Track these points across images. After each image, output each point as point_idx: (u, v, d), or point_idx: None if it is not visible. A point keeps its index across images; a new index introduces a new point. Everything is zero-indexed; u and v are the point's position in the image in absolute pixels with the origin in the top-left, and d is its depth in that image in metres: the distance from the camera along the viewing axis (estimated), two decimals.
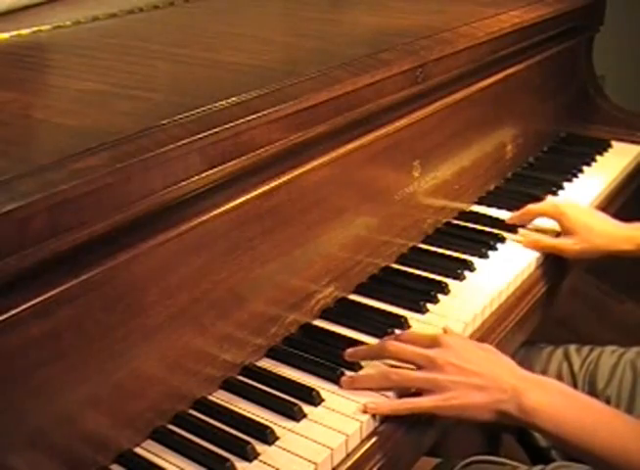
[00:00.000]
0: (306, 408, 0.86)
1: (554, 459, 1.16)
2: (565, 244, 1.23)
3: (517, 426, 1.24)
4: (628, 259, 1.28)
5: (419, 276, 1.15)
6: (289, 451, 0.81)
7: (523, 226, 1.30)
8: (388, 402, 0.88)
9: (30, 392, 0.69)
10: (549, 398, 0.86)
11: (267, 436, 0.82)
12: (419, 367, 0.89)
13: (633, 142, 1.70)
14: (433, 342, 0.91)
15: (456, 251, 1.22)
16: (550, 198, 1.34)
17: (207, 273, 0.86)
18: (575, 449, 0.86)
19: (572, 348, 1.30)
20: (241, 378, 0.92)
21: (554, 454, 1.20)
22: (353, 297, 1.09)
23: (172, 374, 0.84)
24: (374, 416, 0.86)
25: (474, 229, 1.30)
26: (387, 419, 0.88)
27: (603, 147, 1.67)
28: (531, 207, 1.30)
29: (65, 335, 0.71)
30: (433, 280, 1.13)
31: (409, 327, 1.02)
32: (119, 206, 0.74)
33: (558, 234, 1.27)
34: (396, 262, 1.18)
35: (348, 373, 0.92)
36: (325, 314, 1.04)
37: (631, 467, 0.82)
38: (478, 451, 1.11)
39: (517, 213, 1.31)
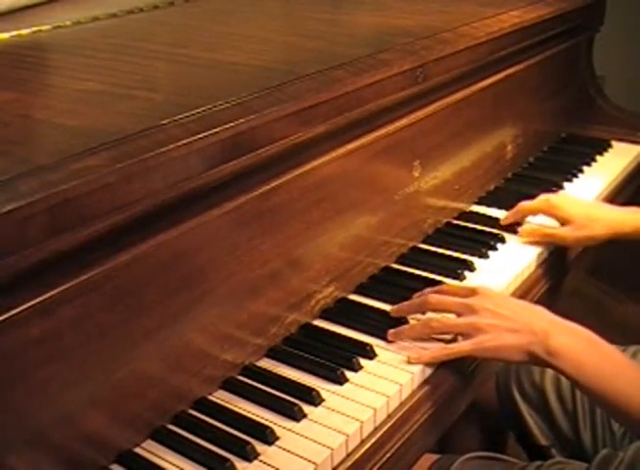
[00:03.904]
0: (306, 408, 0.86)
1: (554, 457, 1.16)
2: (564, 232, 1.24)
3: (517, 425, 1.25)
4: (627, 259, 1.28)
5: (419, 276, 1.15)
6: (289, 451, 0.81)
7: (521, 225, 1.30)
8: (429, 351, 0.95)
9: (30, 392, 0.69)
10: (574, 342, 0.90)
11: (267, 436, 0.82)
12: (458, 315, 0.96)
13: (633, 142, 1.70)
14: (470, 292, 0.98)
15: (456, 251, 1.22)
16: (542, 195, 1.32)
17: (207, 273, 0.86)
18: (592, 395, 0.90)
19: None
20: (241, 378, 0.92)
21: (554, 452, 1.20)
22: (353, 297, 1.09)
23: (172, 374, 0.84)
24: (374, 416, 0.86)
25: (474, 229, 1.30)
26: (388, 419, 0.88)
27: (603, 147, 1.67)
28: (523, 205, 1.29)
29: (65, 335, 0.71)
30: (433, 280, 1.13)
31: None
32: (119, 206, 0.74)
33: None
34: (396, 262, 1.18)
35: (349, 373, 0.92)
36: (325, 314, 1.04)
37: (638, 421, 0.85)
38: (477, 448, 1.12)
39: (510, 213, 1.30)
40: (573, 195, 1.38)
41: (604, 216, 1.24)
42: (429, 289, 1.04)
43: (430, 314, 1.01)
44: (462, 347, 0.94)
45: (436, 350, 0.95)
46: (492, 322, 0.93)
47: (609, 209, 1.28)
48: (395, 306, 1.03)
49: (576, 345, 0.90)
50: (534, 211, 1.29)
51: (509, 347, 0.92)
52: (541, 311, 0.97)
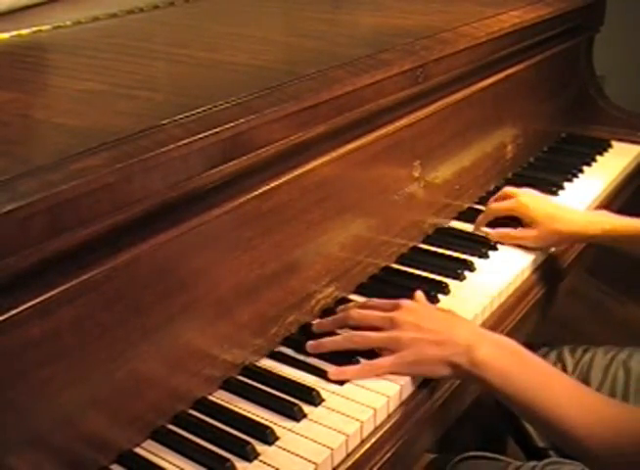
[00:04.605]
0: (306, 408, 0.86)
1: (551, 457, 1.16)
2: (526, 233, 1.23)
3: (514, 427, 1.25)
4: (628, 260, 1.27)
5: (419, 276, 1.15)
6: (289, 451, 0.81)
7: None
8: (352, 368, 0.92)
9: (30, 392, 0.69)
10: (498, 353, 0.88)
11: (267, 436, 0.82)
12: (381, 330, 0.93)
13: (633, 142, 1.70)
14: (394, 306, 0.96)
15: (456, 251, 1.22)
16: (506, 189, 1.31)
17: (207, 273, 0.86)
18: (518, 407, 0.88)
19: (566, 349, 1.31)
20: (241, 378, 0.92)
21: (552, 454, 1.20)
22: (353, 297, 1.09)
23: (172, 374, 0.84)
24: (374, 416, 0.86)
25: None
26: (388, 419, 0.88)
27: (603, 147, 1.67)
28: (492, 207, 1.29)
29: (65, 335, 0.71)
30: (433, 280, 1.13)
31: None
32: (119, 206, 0.74)
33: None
34: (396, 262, 1.18)
35: None
36: (325, 314, 1.04)
37: (568, 428, 0.83)
38: (475, 448, 1.12)
39: (481, 217, 1.29)
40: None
41: (567, 218, 1.23)
42: (352, 303, 1.03)
43: None
44: (383, 362, 0.91)
45: (359, 367, 0.92)
46: (414, 336, 0.91)
47: (573, 211, 1.28)
48: (318, 321, 1.00)
49: (501, 356, 0.88)
50: (504, 211, 1.28)
51: (430, 359, 0.90)
52: (465, 323, 0.95)
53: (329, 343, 0.95)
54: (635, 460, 0.80)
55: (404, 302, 0.96)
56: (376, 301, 1.00)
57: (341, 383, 0.91)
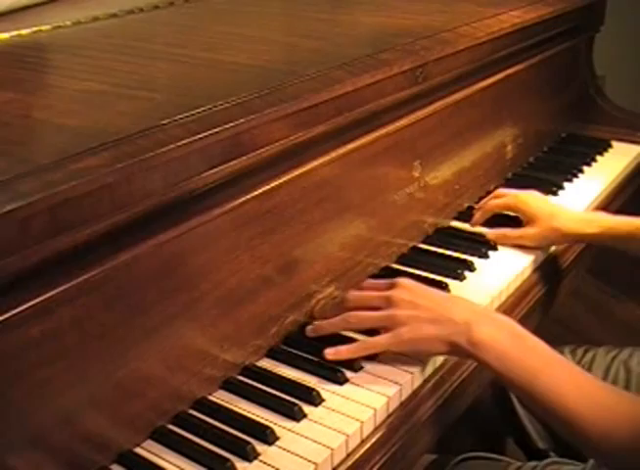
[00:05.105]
0: (306, 408, 0.86)
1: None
2: (525, 231, 1.23)
3: (515, 429, 1.25)
4: (628, 260, 1.28)
5: (419, 276, 1.14)
6: (289, 451, 0.81)
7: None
8: (347, 346, 0.92)
9: (30, 392, 0.69)
10: (497, 332, 0.87)
11: (267, 436, 0.82)
12: (378, 309, 0.93)
13: (633, 142, 1.70)
14: (389, 285, 0.95)
15: (456, 251, 1.22)
16: (500, 190, 1.33)
17: (207, 273, 0.86)
18: (517, 389, 0.87)
19: (567, 349, 1.31)
20: (241, 378, 0.92)
21: (552, 456, 1.20)
22: None
23: (172, 374, 0.84)
24: (374, 416, 0.86)
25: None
26: (388, 419, 0.88)
27: (603, 147, 1.67)
28: (490, 204, 1.28)
29: (65, 335, 0.71)
30: (433, 280, 1.13)
31: None
32: (119, 206, 0.74)
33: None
34: (396, 262, 1.18)
35: (348, 372, 0.92)
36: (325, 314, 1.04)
37: (566, 414, 0.82)
38: (475, 449, 1.12)
39: (478, 215, 1.29)
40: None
41: (566, 217, 1.23)
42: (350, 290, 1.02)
43: None
44: (379, 340, 0.91)
45: (355, 345, 0.92)
46: (411, 313, 0.90)
47: (572, 211, 1.28)
48: (318, 308, 1.01)
49: (499, 335, 0.87)
50: (503, 208, 1.28)
51: (429, 337, 0.89)
52: (464, 302, 0.94)
53: (326, 325, 0.96)
54: (633, 452, 0.79)
55: (400, 280, 0.95)
56: (372, 281, 1.00)
57: (341, 383, 0.91)
